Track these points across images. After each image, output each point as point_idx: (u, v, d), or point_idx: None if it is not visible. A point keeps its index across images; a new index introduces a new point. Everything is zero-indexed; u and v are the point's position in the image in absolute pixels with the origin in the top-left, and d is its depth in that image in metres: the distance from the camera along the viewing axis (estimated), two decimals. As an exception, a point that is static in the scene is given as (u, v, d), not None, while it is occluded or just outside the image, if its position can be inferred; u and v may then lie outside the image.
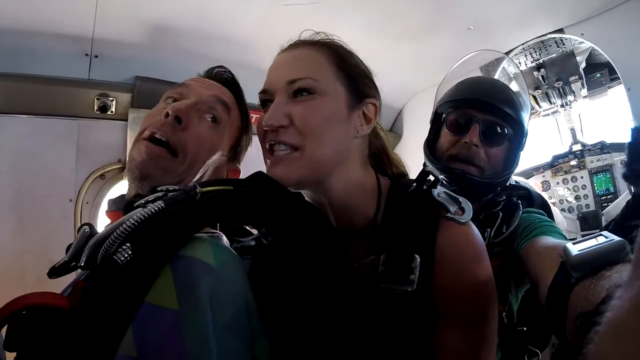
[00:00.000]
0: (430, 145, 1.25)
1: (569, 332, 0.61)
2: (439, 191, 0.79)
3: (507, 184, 1.27)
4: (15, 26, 1.68)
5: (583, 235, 3.00)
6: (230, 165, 0.97)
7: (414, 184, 0.83)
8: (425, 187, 0.81)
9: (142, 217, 0.59)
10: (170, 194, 0.65)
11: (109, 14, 1.70)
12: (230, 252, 0.70)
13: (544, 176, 3.92)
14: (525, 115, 1.20)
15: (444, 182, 1.10)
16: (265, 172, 0.76)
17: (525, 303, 1.12)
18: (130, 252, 0.57)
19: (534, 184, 2.87)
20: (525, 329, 1.08)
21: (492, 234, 1.06)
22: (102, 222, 1.60)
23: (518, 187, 1.30)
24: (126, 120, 2.01)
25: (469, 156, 1.13)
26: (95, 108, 1.96)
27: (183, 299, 0.56)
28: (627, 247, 0.60)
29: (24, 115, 1.88)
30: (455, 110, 1.19)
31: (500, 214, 1.09)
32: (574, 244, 0.68)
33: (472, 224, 0.79)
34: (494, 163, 1.15)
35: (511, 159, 1.19)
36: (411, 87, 2.58)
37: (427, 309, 0.74)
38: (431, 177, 0.83)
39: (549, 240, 0.93)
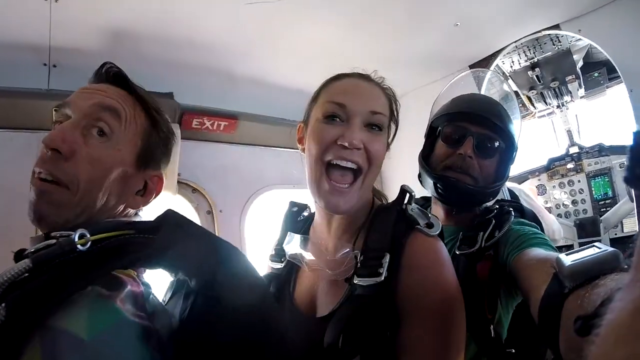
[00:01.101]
0: (425, 159, 1.30)
1: (562, 342, 0.63)
2: (413, 207, 0.91)
3: (501, 199, 1.32)
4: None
5: (580, 244, 2.93)
6: (145, 173, 0.85)
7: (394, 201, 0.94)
8: (402, 203, 0.91)
9: (10, 277, 0.56)
10: (51, 248, 0.61)
11: (64, 20, 1.55)
12: (113, 317, 0.59)
13: (539, 180, 3.81)
14: (515, 130, 1.25)
15: (439, 189, 1.22)
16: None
17: (515, 324, 1.13)
18: (4, 314, 0.52)
19: (529, 189, 2.71)
20: (513, 351, 1.08)
21: (484, 238, 1.09)
22: None
23: (510, 201, 1.39)
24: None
25: (463, 167, 1.18)
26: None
27: None
28: (621, 257, 0.61)
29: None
30: (450, 123, 1.24)
31: (493, 221, 1.12)
32: (566, 255, 0.69)
33: (439, 238, 0.89)
34: (486, 174, 1.20)
35: (502, 171, 1.24)
36: (397, 89, 2.37)
37: (393, 308, 0.79)
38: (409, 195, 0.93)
39: (540, 252, 0.95)
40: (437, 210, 1.29)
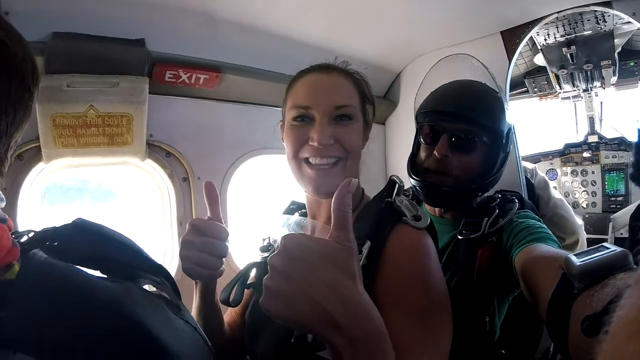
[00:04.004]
0: (414, 158, 1.29)
1: (572, 343, 0.63)
2: (401, 199, 0.90)
3: (501, 189, 1.30)
4: None
5: (586, 239, 2.80)
6: None
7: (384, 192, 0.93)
8: (390, 194, 0.91)
9: None
10: None
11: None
12: None
13: (551, 164, 3.69)
14: (502, 116, 1.21)
15: (420, 193, 1.23)
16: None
17: (507, 326, 1.14)
18: None
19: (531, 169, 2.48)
20: (503, 352, 1.10)
21: (488, 224, 1.10)
22: (22, 211, 1.40)
23: (510, 191, 1.34)
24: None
25: (440, 168, 1.18)
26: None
27: None
28: (630, 257, 0.61)
29: None
30: (426, 122, 1.23)
31: (497, 209, 1.13)
32: (575, 255, 0.69)
33: (426, 232, 0.87)
34: (469, 170, 1.18)
35: (490, 162, 1.21)
36: (413, 48, 2.08)
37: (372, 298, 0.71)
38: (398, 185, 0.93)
39: (547, 249, 0.94)
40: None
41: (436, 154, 1.16)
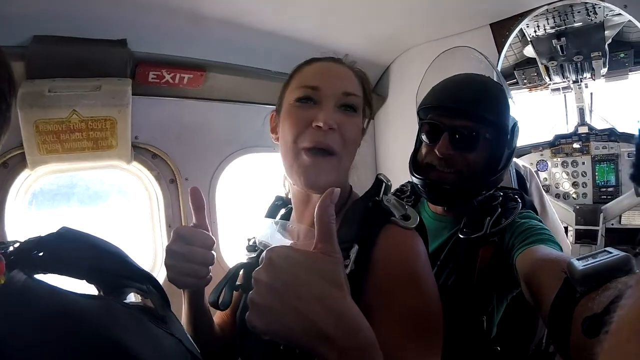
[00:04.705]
0: (417, 154, 1.25)
1: (574, 345, 0.63)
2: (388, 198, 0.88)
3: (502, 186, 1.25)
4: None
5: (577, 230, 2.83)
6: None
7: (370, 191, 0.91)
8: (377, 193, 0.89)
9: None
10: None
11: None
12: None
13: (542, 155, 3.69)
14: (506, 111, 1.16)
15: (421, 191, 1.20)
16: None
17: (503, 323, 1.12)
18: None
19: (522, 165, 2.47)
20: (499, 348, 1.08)
21: (490, 224, 1.07)
22: (10, 218, 1.36)
23: (513, 189, 1.31)
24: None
25: (442, 165, 1.14)
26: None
27: None
28: (632, 261, 0.62)
29: None
30: (426, 118, 1.19)
31: (499, 208, 1.10)
32: (578, 259, 0.69)
33: (415, 231, 0.85)
34: (474, 166, 1.14)
35: (495, 158, 1.16)
36: (402, 41, 2.06)
37: (361, 304, 0.68)
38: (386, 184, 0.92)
39: (549, 252, 0.92)
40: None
41: (437, 152, 1.12)
